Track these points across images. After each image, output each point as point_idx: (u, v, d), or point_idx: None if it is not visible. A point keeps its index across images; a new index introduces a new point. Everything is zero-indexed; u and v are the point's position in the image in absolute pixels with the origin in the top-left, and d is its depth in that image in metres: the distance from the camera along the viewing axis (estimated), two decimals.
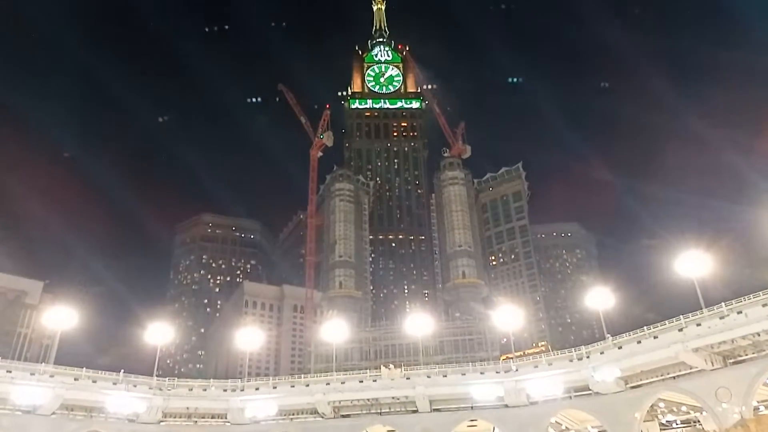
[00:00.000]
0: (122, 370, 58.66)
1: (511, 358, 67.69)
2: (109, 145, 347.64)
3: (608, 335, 57.09)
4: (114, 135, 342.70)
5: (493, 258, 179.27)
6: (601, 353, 55.66)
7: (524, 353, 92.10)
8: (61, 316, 60.74)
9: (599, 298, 62.35)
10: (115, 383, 57.12)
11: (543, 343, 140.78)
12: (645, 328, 54.05)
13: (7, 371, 53.38)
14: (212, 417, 59.80)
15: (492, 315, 71.59)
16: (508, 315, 68.99)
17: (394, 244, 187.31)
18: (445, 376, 60.69)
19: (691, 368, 50.14)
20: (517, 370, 59.28)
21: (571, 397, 56.21)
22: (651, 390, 52.37)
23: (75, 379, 55.31)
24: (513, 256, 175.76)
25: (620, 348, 54.51)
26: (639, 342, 53.52)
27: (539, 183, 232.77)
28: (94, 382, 56.33)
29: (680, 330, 50.82)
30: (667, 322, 52.87)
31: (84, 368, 56.84)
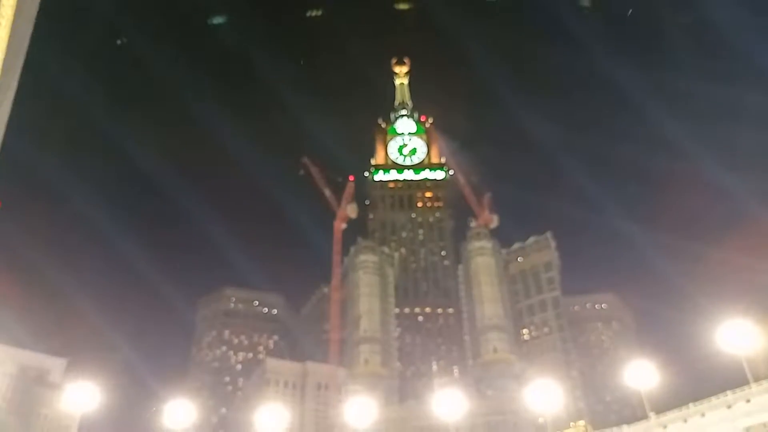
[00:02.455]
0: None
1: None
2: (132, 214, 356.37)
3: (651, 413, 53.76)
4: (136, 204, 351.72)
5: (525, 331, 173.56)
6: None
7: None
8: (83, 397, 59.55)
9: (639, 373, 59.06)
10: None
11: (581, 422, 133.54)
12: (690, 405, 50.92)
13: None
14: None
15: (526, 392, 68.18)
16: (542, 392, 65.55)
17: (421, 318, 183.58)
18: None
19: None
20: None
21: None
22: None
23: None
24: (546, 330, 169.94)
25: (665, 427, 51.14)
26: (685, 421, 50.28)
27: (571, 251, 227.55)
28: None
29: (728, 407, 47.89)
30: (713, 398, 49.94)
31: None
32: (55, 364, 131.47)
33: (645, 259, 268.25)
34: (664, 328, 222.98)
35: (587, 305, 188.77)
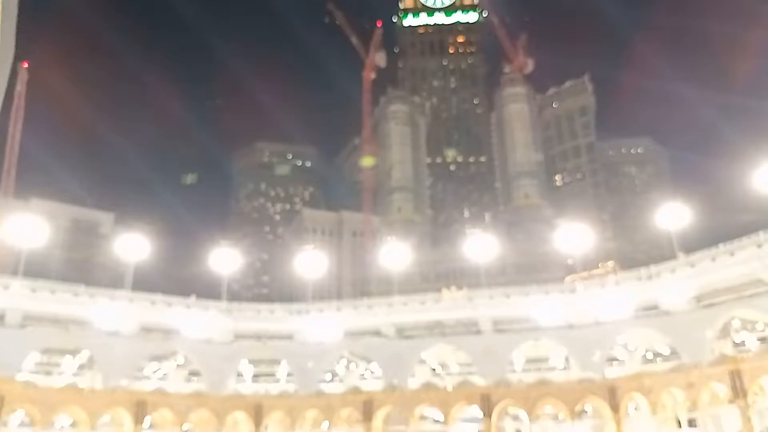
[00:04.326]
0: (194, 295, 61.52)
1: (577, 279, 66.45)
2: (172, 66, 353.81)
3: (680, 253, 54.73)
4: (176, 56, 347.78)
5: (557, 178, 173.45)
6: (672, 272, 53.70)
7: (590, 274, 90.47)
8: (133, 245, 63.78)
9: (671, 215, 59.44)
10: (188, 307, 60.09)
11: (610, 263, 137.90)
12: (720, 245, 51.44)
13: (90, 296, 56.95)
14: (280, 338, 62.31)
15: (556, 236, 69.83)
16: (573, 235, 67.13)
17: (452, 167, 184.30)
18: (508, 297, 60.37)
19: None
20: (582, 291, 58.14)
21: (638, 317, 54.84)
22: (725, 308, 50.34)
23: (151, 303, 58.53)
24: (579, 176, 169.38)
25: (693, 266, 52.30)
26: (713, 259, 51.11)
27: (608, 96, 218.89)
28: (169, 306, 59.47)
29: (758, 246, 48.27)
30: (744, 238, 50.19)
31: (159, 293, 60.00)
32: (104, 218, 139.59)
33: (685, 107, 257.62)
34: (699, 172, 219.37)
35: (622, 150, 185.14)
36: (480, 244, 71.23)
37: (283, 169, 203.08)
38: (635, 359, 59.15)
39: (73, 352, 57.68)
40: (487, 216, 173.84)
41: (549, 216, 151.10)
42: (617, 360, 59.46)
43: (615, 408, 45.69)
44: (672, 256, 56.30)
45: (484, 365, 56.02)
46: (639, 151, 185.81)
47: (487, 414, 47.83)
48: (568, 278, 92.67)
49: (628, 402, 47.22)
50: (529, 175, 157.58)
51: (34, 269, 60.41)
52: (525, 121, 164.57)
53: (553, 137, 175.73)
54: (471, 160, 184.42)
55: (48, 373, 57.95)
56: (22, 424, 50.53)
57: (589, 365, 53.41)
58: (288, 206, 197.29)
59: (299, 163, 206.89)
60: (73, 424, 50.05)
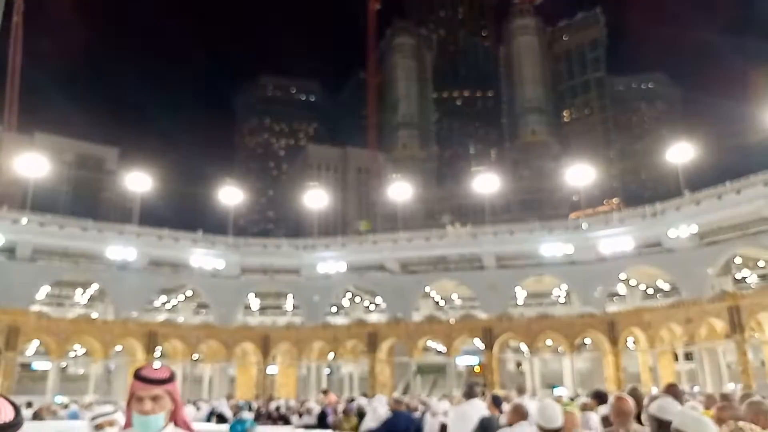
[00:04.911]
0: (200, 230, 62.15)
1: (581, 215, 66.58)
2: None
3: (686, 191, 54.53)
4: None
5: (565, 114, 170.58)
6: (677, 209, 53.61)
7: (595, 211, 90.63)
8: (138, 180, 63.90)
9: (679, 152, 58.80)
10: (194, 241, 60.83)
11: (615, 200, 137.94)
12: (728, 182, 51.14)
13: (99, 231, 57.63)
14: (286, 272, 63.34)
15: (562, 172, 69.50)
16: (578, 172, 66.84)
17: (459, 102, 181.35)
18: (512, 233, 60.75)
19: None
20: (586, 227, 58.38)
21: (641, 254, 55.30)
22: (728, 246, 50.58)
23: (159, 238, 59.23)
24: (587, 111, 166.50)
25: (698, 204, 52.19)
26: (719, 197, 50.92)
27: (620, 30, 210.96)
28: (176, 240, 60.15)
29: (765, 184, 48.02)
30: (752, 176, 49.88)
31: (166, 228, 60.60)
32: (109, 153, 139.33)
33: (699, 43, 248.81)
34: (711, 109, 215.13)
35: (633, 85, 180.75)
36: (485, 181, 71.09)
37: (286, 104, 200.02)
38: (636, 295, 60.15)
39: (84, 285, 59.00)
40: (493, 153, 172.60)
41: (556, 153, 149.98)
42: (618, 296, 60.51)
43: (614, 342, 46.82)
44: (678, 195, 56.09)
45: (487, 300, 57.05)
46: (650, 86, 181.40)
47: (489, 346, 49.12)
48: (572, 215, 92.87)
49: (627, 336, 48.34)
50: (536, 111, 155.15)
51: (41, 204, 60.89)
52: (534, 55, 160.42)
53: (563, 72, 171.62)
54: (478, 95, 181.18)
55: (60, 305, 59.54)
56: (37, 354, 52.40)
57: (590, 301, 54.31)
58: (292, 141, 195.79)
59: (303, 97, 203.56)
60: (87, 354, 51.85)
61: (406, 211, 70.19)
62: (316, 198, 73.29)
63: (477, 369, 58.09)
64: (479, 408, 7.79)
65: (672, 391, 5.62)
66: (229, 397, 21.41)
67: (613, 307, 55.59)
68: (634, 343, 50.37)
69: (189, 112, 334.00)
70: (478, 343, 51.17)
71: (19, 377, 49.26)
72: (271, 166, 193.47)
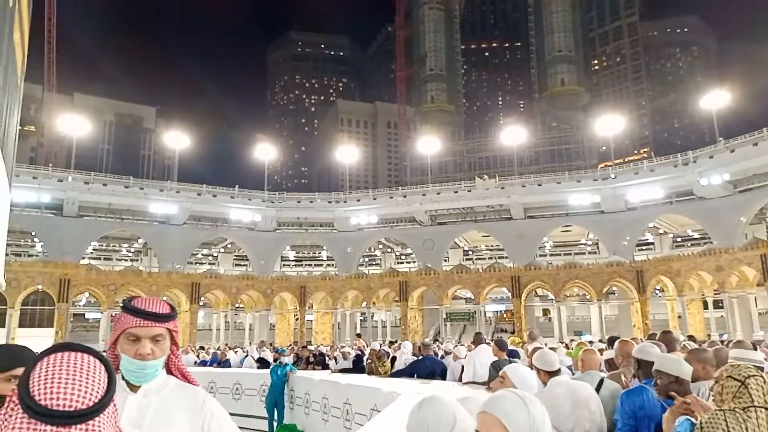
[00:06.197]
0: (237, 186, 64.24)
1: (610, 165, 66.44)
2: None
3: (720, 138, 53.92)
4: None
5: (596, 62, 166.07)
6: (711, 157, 53.09)
7: (624, 160, 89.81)
8: (176, 138, 66.00)
9: (714, 100, 57.87)
10: (232, 197, 63.01)
11: (645, 149, 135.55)
12: (765, 129, 50.37)
13: (140, 188, 60.12)
14: (320, 225, 65.39)
15: (591, 123, 68.97)
16: (608, 122, 66.34)
17: (487, 54, 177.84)
18: (540, 185, 61.24)
19: None
20: (615, 177, 58.47)
21: (672, 203, 55.36)
22: (761, 194, 50.29)
23: (198, 194, 61.51)
24: (618, 59, 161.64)
25: (733, 151, 51.67)
26: (755, 144, 50.32)
27: None
28: (214, 196, 62.41)
29: None
30: None
31: (204, 184, 62.82)
32: (147, 111, 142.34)
33: None
34: (747, 55, 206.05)
35: (667, 30, 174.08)
36: (513, 133, 71.17)
37: (316, 60, 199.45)
38: (665, 244, 60.50)
39: (129, 240, 62.00)
40: (522, 104, 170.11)
41: (585, 103, 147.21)
42: (647, 245, 60.94)
43: (642, 290, 47.68)
44: (712, 143, 55.52)
45: (515, 249, 58.21)
46: (684, 30, 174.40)
47: (516, 295, 50.59)
48: (601, 165, 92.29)
49: (655, 285, 49.06)
50: (565, 60, 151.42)
51: (84, 162, 63.59)
52: (564, 1, 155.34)
53: (594, 18, 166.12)
54: (506, 45, 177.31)
55: (108, 259, 62.86)
56: (88, 304, 55.85)
57: (618, 250, 54.93)
58: (323, 97, 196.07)
59: (332, 53, 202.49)
60: None
61: (435, 165, 70.85)
62: (347, 153, 74.60)
63: (505, 316, 59.91)
64: (486, 353, 8.60)
65: (666, 338, 5.95)
66: (261, 345, 22.39)
67: (641, 256, 56.18)
68: (661, 291, 51.14)
69: (223, 71, 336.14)
70: (506, 292, 52.70)
71: (73, 327, 52.90)
72: (302, 121, 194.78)
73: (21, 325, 45.47)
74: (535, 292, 55.10)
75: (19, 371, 2.51)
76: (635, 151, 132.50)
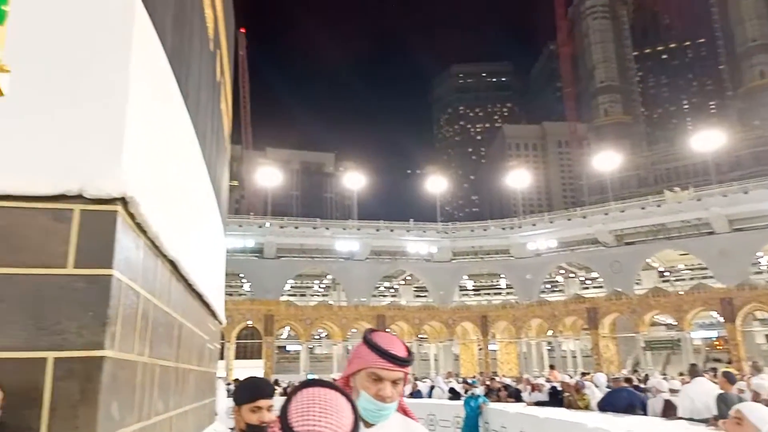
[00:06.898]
0: (411, 219, 66.38)
1: None
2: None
3: None
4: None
5: None
6: None
7: None
8: (354, 179, 70.55)
9: None
10: (408, 230, 65.14)
11: None
12: None
13: (326, 228, 64.92)
14: (496, 253, 64.53)
15: None
16: None
17: (665, 56, 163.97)
18: (746, 192, 54.03)
19: None
20: None
21: None
22: None
23: (376, 230, 64.64)
24: None
25: None
26: None
27: None
28: (392, 231, 65.04)
29: None
30: None
31: (381, 220, 65.96)
32: (327, 158, 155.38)
33: None
34: None
35: None
36: (706, 138, 64.10)
37: (479, 89, 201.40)
38: None
39: (320, 277, 66.95)
40: (713, 105, 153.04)
41: None
42: None
43: None
44: None
45: (721, 268, 51.75)
46: None
47: (729, 318, 44.78)
48: None
49: None
50: (763, 50, 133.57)
51: (278, 209, 70.68)
52: None
53: None
54: (687, 44, 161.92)
55: (303, 295, 68.39)
56: (289, 337, 61.04)
57: None
58: (488, 125, 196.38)
59: (494, 79, 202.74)
60: (328, 336, 58.98)
61: (616, 181, 66.36)
62: (518, 177, 73.24)
63: (716, 343, 53.23)
64: (705, 386, 7.83)
65: None
66: (448, 375, 22.52)
67: None
68: None
69: (391, 112, 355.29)
70: (716, 316, 46.90)
71: (277, 359, 58.08)
72: (469, 151, 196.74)
73: (236, 357, 51.17)
74: (754, 315, 48.30)
75: (261, 402, 2.85)
76: None
